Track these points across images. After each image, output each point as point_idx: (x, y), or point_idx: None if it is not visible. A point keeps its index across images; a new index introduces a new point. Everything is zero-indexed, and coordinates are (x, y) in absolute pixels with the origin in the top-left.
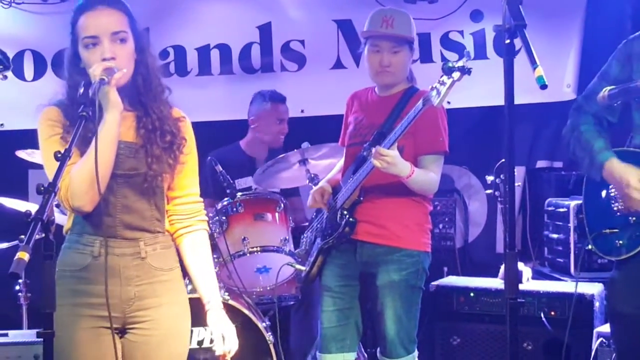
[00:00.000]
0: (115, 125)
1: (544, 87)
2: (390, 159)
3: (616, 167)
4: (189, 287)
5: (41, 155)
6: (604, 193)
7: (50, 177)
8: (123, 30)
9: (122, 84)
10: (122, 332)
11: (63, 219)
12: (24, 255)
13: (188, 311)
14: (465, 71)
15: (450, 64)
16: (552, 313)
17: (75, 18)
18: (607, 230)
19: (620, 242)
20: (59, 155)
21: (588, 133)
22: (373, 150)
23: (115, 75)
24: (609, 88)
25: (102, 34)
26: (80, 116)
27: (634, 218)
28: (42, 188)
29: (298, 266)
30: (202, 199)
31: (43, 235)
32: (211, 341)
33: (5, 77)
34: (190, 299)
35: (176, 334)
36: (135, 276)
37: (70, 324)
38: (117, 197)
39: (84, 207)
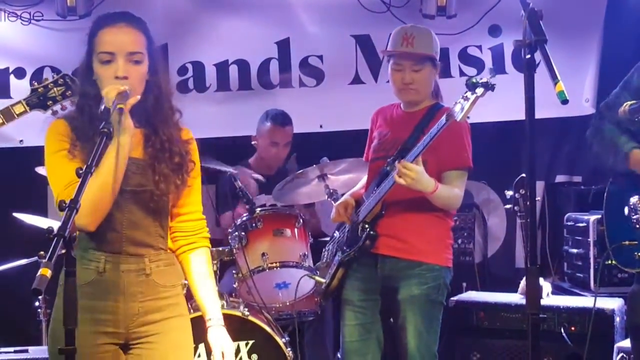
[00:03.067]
0: (126, 148)
1: (565, 102)
2: (414, 174)
3: None
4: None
5: (46, 169)
6: (624, 207)
7: (54, 190)
8: (139, 51)
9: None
10: (125, 347)
11: None
12: (46, 272)
13: (189, 326)
14: (488, 87)
15: (474, 80)
16: (572, 328)
17: (94, 31)
18: (627, 243)
19: (639, 254)
20: (80, 172)
21: (611, 132)
22: (397, 164)
23: (129, 101)
24: (629, 103)
25: (119, 52)
26: (101, 133)
27: None
28: (64, 204)
29: (318, 278)
30: (204, 217)
31: (64, 251)
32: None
33: (74, 102)
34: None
35: (180, 347)
36: (139, 292)
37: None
38: (123, 213)
39: (88, 227)
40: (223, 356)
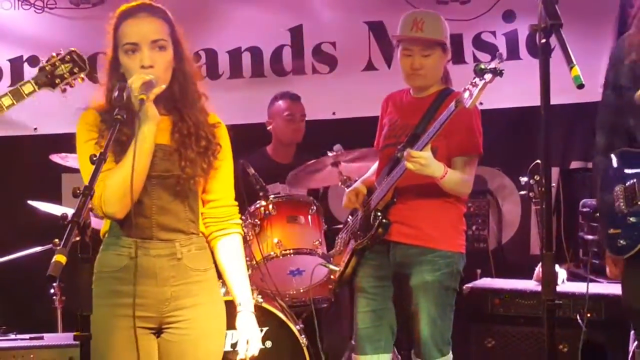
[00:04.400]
0: (152, 137)
1: (580, 86)
2: (423, 160)
3: None
4: (223, 289)
5: (77, 159)
6: (610, 195)
7: (84, 179)
8: (163, 38)
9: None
10: (158, 332)
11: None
12: (61, 258)
13: (223, 311)
14: (497, 73)
15: (482, 66)
16: (588, 315)
17: (117, 24)
18: (612, 231)
19: (622, 242)
20: (94, 159)
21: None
22: (405, 152)
23: (154, 90)
24: None
25: (142, 41)
26: (114, 119)
27: (631, 218)
28: (78, 191)
29: (331, 267)
30: (236, 203)
31: (79, 238)
32: (233, 345)
33: (83, 79)
34: (225, 301)
35: (211, 333)
36: (171, 277)
37: (108, 323)
38: (152, 199)
39: (116, 215)
40: (248, 344)
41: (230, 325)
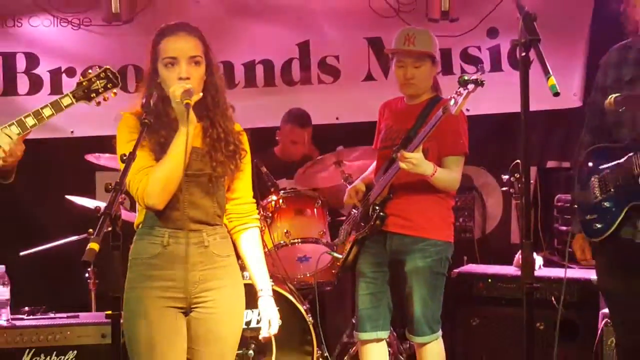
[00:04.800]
0: (190, 138)
1: (556, 94)
2: (414, 160)
3: None
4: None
5: (119, 154)
6: (587, 185)
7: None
8: (198, 55)
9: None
10: (187, 312)
11: (128, 215)
12: (94, 246)
13: (243, 293)
14: (478, 83)
15: (465, 77)
16: (563, 297)
17: (157, 40)
18: (589, 217)
19: (597, 225)
20: (124, 158)
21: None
22: (399, 154)
23: (194, 98)
24: (614, 95)
25: (181, 56)
26: (142, 123)
27: (605, 204)
28: (110, 187)
29: (335, 255)
30: (254, 200)
31: (110, 228)
32: (258, 322)
33: (115, 93)
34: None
35: (234, 312)
36: (199, 262)
37: (143, 304)
38: (185, 194)
39: (157, 206)
40: (270, 324)
41: (249, 304)
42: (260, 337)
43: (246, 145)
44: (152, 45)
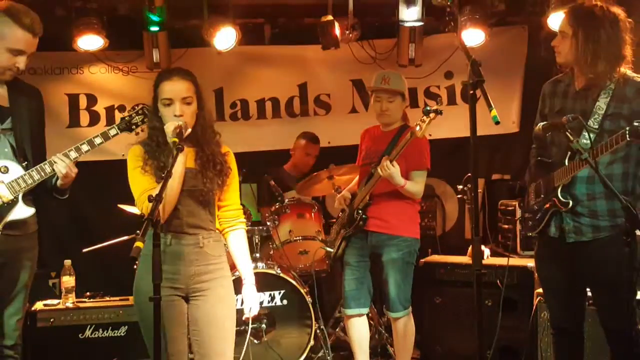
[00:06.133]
0: (183, 165)
1: (497, 123)
2: (392, 170)
3: None
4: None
5: (128, 178)
6: (528, 190)
7: (134, 193)
8: (190, 96)
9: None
10: (186, 299)
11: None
12: (140, 244)
13: (232, 285)
14: (438, 112)
15: (428, 108)
16: (505, 280)
17: (157, 83)
18: (527, 215)
19: (531, 223)
20: (152, 198)
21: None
22: (382, 160)
23: (185, 134)
24: (542, 123)
25: (175, 98)
26: (177, 148)
27: (536, 207)
28: (151, 198)
29: (328, 249)
30: (241, 207)
31: (152, 230)
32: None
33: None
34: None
35: (223, 298)
36: (195, 260)
37: (150, 292)
38: (183, 206)
39: (161, 218)
40: (250, 309)
41: (237, 292)
42: (243, 317)
43: (232, 164)
44: (153, 86)
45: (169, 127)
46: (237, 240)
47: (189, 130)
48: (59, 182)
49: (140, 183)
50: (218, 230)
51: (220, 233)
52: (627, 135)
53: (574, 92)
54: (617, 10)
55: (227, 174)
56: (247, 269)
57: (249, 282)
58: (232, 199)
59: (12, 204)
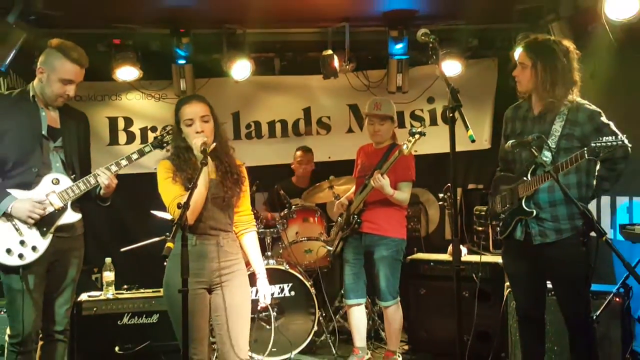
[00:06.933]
0: (207, 177)
1: (473, 141)
2: (383, 182)
3: None
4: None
5: (159, 188)
6: (494, 200)
7: (165, 201)
8: (207, 114)
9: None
10: (210, 290)
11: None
12: (171, 245)
13: (247, 278)
14: (422, 134)
15: (413, 130)
16: (480, 274)
17: (178, 108)
18: (494, 223)
19: (499, 228)
20: (180, 205)
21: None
22: (375, 173)
23: (211, 147)
24: (511, 141)
25: (195, 117)
26: (201, 163)
27: (502, 216)
28: (180, 205)
29: (329, 248)
30: (252, 212)
31: (181, 233)
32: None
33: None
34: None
35: (240, 287)
36: (216, 257)
37: (179, 286)
38: (206, 211)
39: (189, 223)
40: (265, 297)
41: (252, 284)
42: (259, 306)
43: (244, 175)
44: (175, 110)
45: (197, 142)
46: (250, 241)
47: (214, 144)
48: (102, 192)
49: (171, 191)
50: (234, 232)
51: (235, 234)
52: (586, 155)
53: (532, 117)
54: (568, 43)
55: (243, 183)
56: (259, 265)
57: (262, 276)
58: (244, 205)
59: (62, 210)
